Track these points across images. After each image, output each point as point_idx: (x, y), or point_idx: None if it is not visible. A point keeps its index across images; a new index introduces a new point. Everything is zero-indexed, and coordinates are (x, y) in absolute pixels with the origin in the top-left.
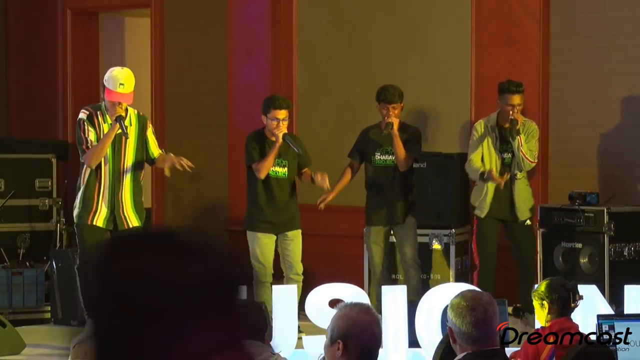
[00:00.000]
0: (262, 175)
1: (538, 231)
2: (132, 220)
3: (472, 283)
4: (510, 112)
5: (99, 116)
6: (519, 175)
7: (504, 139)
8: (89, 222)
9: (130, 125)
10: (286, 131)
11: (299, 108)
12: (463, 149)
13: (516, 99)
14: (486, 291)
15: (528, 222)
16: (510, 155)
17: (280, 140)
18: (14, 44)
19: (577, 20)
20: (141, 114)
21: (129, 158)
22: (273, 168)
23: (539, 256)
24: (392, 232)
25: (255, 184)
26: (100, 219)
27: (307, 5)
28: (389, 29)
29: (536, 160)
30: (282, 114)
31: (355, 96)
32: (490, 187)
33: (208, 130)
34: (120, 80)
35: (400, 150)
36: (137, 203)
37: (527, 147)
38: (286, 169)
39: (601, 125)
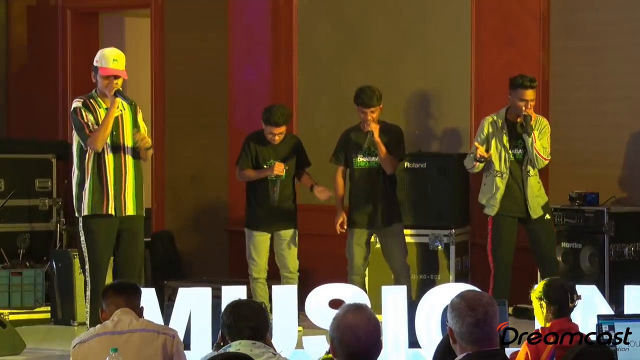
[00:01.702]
0: (239, 181)
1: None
2: (130, 208)
3: (487, 287)
4: (523, 108)
5: (93, 103)
6: (531, 172)
7: (513, 135)
8: (104, 212)
9: (124, 109)
10: (279, 174)
11: (299, 108)
12: (463, 149)
13: (529, 94)
14: (503, 297)
15: (548, 216)
16: (521, 151)
17: (270, 175)
18: (14, 44)
19: (577, 20)
20: (133, 103)
21: (128, 143)
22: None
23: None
24: (374, 236)
25: (251, 183)
26: (111, 207)
27: (307, 6)
28: (389, 29)
29: (549, 158)
30: (278, 130)
31: None
32: (500, 183)
33: (208, 130)
34: (113, 56)
35: (385, 155)
36: (138, 191)
37: (540, 144)
38: (285, 170)
39: (601, 125)
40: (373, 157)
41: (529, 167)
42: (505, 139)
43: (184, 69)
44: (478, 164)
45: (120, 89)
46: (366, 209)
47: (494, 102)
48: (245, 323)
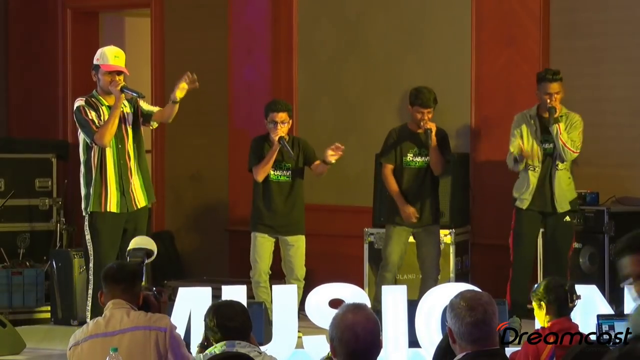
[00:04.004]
0: (259, 179)
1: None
2: (140, 200)
3: (506, 282)
4: (548, 101)
5: (96, 102)
6: (560, 166)
7: (544, 129)
8: (111, 209)
9: (125, 106)
10: (284, 135)
11: (299, 108)
12: (463, 149)
13: (553, 87)
14: (520, 292)
15: (567, 218)
16: (551, 145)
17: (277, 144)
18: (14, 43)
19: (577, 20)
20: (129, 97)
21: (130, 138)
22: (275, 172)
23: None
24: (412, 234)
25: (258, 187)
26: (118, 204)
27: (307, 5)
28: (389, 28)
29: (579, 151)
30: (280, 116)
31: (355, 96)
32: (533, 179)
33: (208, 130)
34: (114, 53)
35: (438, 156)
36: (146, 182)
37: (568, 137)
38: (289, 172)
39: (601, 125)
40: (423, 157)
41: (558, 161)
42: (536, 132)
43: (184, 69)
44: (520, 164)
45: (125, 83)
46: (413, 207)
47: (494, 102)
48: (229, 324)
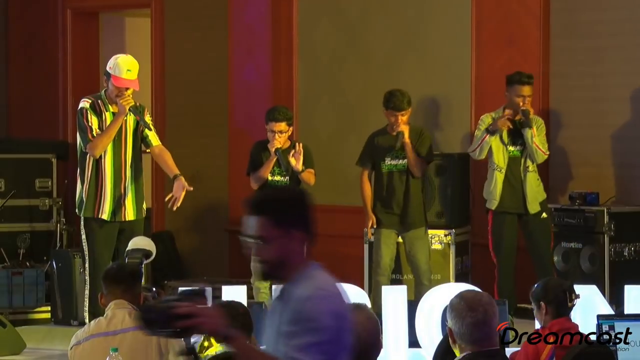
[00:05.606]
0: (254, 187)
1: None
2: (129, 213)
3: (493, 283)
4: (521, 103)
5: (101, 105)
6: (530, 167)
7: (511, 132)
8: (94, 215)
9: (129, 114)
10: (280, 145)
11: (299, 108)
12: (463, 149)
13: (526, 90)
14: (507, 294)
15: (544, 214)
16: (518, 147)
17: (273, 154)
18: (14, 44)
19: (577, 20)
20: (138, 104)
21: (129, 148)
22: (272, 177)
23: None
24: (400, 238)
25: (256, 192)
26: (109, 212)
27: (307, 6)
28: (389, 29)
29: (548, 152)
30: (278, 126)
31: (355, 96)
32: (499, 177)
33: (208, 130)
34: (127, 66)
35: (414, 158)
36: (138, 196)
37: (538, 139)
38: (287, 177)
39: (601, 126)
40: (401, 160)
41: (529, 162)
42: (504, 135)
43: (184, 69)
44: (484, 143)
45: (134, 103)
46: (394, 211)
47: (494, 102)
48: (229, 324)
